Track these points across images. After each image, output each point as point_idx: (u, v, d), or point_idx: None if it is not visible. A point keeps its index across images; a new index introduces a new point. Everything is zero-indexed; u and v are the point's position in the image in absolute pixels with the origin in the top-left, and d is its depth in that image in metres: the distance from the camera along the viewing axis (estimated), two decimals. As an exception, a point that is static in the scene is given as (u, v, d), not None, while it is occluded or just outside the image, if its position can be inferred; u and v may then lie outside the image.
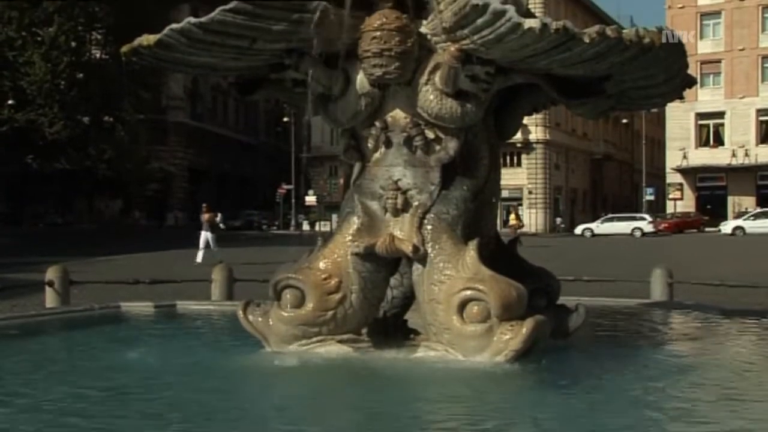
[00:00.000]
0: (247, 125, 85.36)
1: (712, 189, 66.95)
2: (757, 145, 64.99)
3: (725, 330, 8.38)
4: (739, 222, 57.16)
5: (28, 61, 40.74)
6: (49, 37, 40.94)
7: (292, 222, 70.44)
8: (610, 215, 63.32)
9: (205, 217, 27.05)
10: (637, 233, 56.10)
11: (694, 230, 60.82)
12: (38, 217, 58.51)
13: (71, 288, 11.12)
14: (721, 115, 66.60)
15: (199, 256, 25.53)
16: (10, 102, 41.93)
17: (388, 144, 6.38)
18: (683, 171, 67.38)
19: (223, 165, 75.75)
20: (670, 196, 68.88)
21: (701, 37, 65.90)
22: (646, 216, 60.80)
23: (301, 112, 7.58)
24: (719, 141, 66.90)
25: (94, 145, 45.19)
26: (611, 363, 6.24)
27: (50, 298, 10.81)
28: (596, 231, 57.27)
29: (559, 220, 68.32)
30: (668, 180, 69.20)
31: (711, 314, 8.98)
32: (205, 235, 26.29)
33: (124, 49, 6.34)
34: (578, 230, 58.87)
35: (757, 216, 57.37)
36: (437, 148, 6.31)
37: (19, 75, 41.07)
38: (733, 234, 54.46)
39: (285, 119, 74.53)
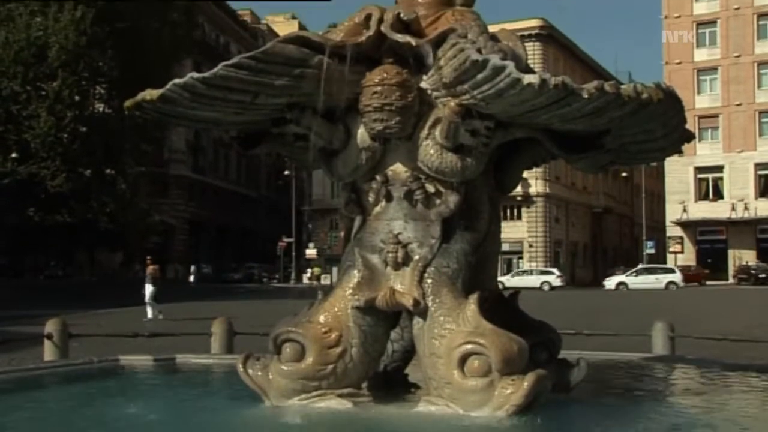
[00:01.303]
0: (248, 178, 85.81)
1: (713, 242, 67.03)
2: (756, 198, 65.24)
3: (728, 385, 8.31)
4: (622, 278, 58.84)
5: (32, 114, 41.13)
6: (54, 92, 41.37)
7: (293, 275, 70.38)
8: (521, 269, 64.70)
9: (149, 269, 26.18)
10: (546, 287, 58.12)
11: (696, 284, 60.77)
12: (39, 269, 58.49)
13: (70, 341, 11.07)
14: (719, 169, 66.97)
15: (149, 312, 24.79)
16: (13, 155, 42.21)
17: (389, 198, 6.40)
18: (683, 224, 67.52)
19: (223, 218, 75.95)
20: (671, 250, 68.91)
21: (698, 92, 66.61)
22: (555, 270, 62.70)
23: (302, 166, 7.59)
24: (719, 195, 67.17)
25: (95, 198, 45.36)
26: (614, 418, 6.19)
27: (49, 352, 10.76)
28: (507, 284, 58.34)
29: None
30: (668, 233, 69.32)
31: (713, 369, 8.91)
32: (149, 289, 25.48)
33: (128, 103, 6.40)
34: None
35: (639, 272, 59.17)
36: (438, 201, 6.34)
37: (23, 128, 41.42)
38: (616, 289, 55.99)
39: (286, 172, 74.95)
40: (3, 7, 42.67)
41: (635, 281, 57.36)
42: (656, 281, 57.02)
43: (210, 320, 12.39)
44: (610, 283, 59.54)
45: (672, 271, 59.71)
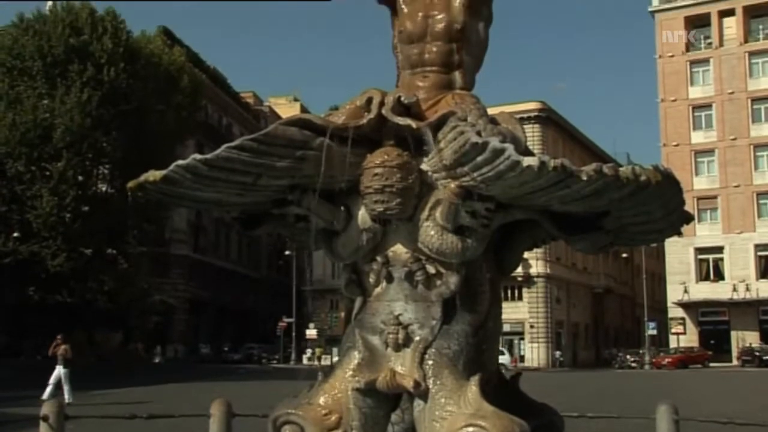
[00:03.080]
0: (249, 258, 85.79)
1: (715, 324, 66.64)
2: (757, 279, 65.06)
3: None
4: None
5: (35, 194, 41.40)
6: (58, 172, 41.74)
7: (293, 355, 69.81)
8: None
9: (59, 350, 24.12)
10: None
11: (699, 365, 60.19)
12: (37, 349, 57.91)
13: (66, 423, 10.91)
14: (719, 249, 67.01)
15: (46, 393, 22.59)
16: (15, 234, 42.37)
17: (390, 279, 6.41)
18: (685, 305, 67.22)
19: (224, 298, 75.66)
20: (673, 331, 68.46)
21: (696, 174, 67.12)
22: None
23: (303, 246, 7.61)
24: (719, 275, 67.05)
25: (94, 277, 45.30)
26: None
27: (44, 434, 10.59)
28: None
29: (558, 353, 68.04)
30: (670, 314, 68.96)
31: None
32: (57, 372, 23.52)
33: (131, 184, 6.44)
34: (321, 361, 60.89)
35: None
36: (438, 282, 6.34)
37: (26, 208, 41.66)
38: None
39: (287, 253, 74.97)
40: (12, 90, 43.40)
41: None
42: None
43: (208, 401, 12.24)
44: None
45: (501, 353, 60.09)
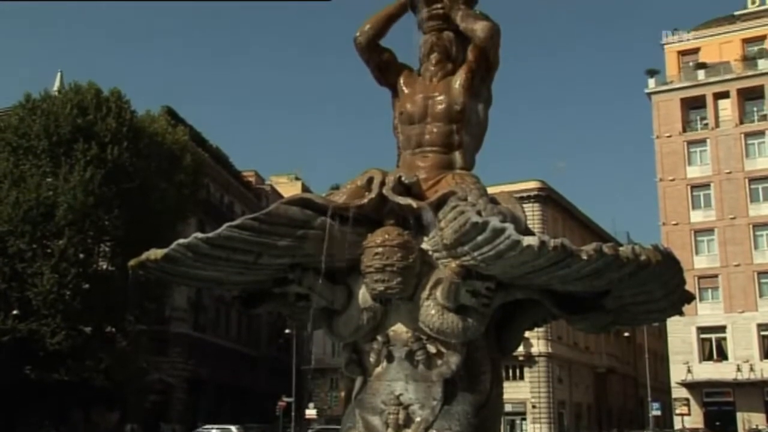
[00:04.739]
0: (249, 337, 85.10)
1: (720, 405, 65.60)
2: (761, 359, 64.33)
3: None
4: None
5: (36, 272, 41.31)
6: (59, 250, 41.72)
7: (292, 436, 68.66)
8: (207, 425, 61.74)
9: None
10: None
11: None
12: (31, 429, 56.96)
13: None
14: (722, 329, 66.46)
15: None
16: (14, 312, 42.12)
17: (390, 358, 6.37)
18: (688, 386, 66.32)
19: (223, 376, 74.84)
20: (677, 412, 67.35)
21: (696, 253, 67.05)
22: (233, 428, 59.76)
23: (303, 325, 7.59)
24: (723, 355, 66.35)
25: (91, 355, 44.83)
26: None
27: None
28: None
29: None
30: (674, 395, 67.96)
31: None
32: None
33: (132, 262, 6.47)
34: None
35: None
36: (439, 362, 6.30)
37: (26, 286, 41.52)
38: None
39: (287, 331, 74.41)
40: (16, 168, 43.74)
41: None
42: None
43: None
44: None
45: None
